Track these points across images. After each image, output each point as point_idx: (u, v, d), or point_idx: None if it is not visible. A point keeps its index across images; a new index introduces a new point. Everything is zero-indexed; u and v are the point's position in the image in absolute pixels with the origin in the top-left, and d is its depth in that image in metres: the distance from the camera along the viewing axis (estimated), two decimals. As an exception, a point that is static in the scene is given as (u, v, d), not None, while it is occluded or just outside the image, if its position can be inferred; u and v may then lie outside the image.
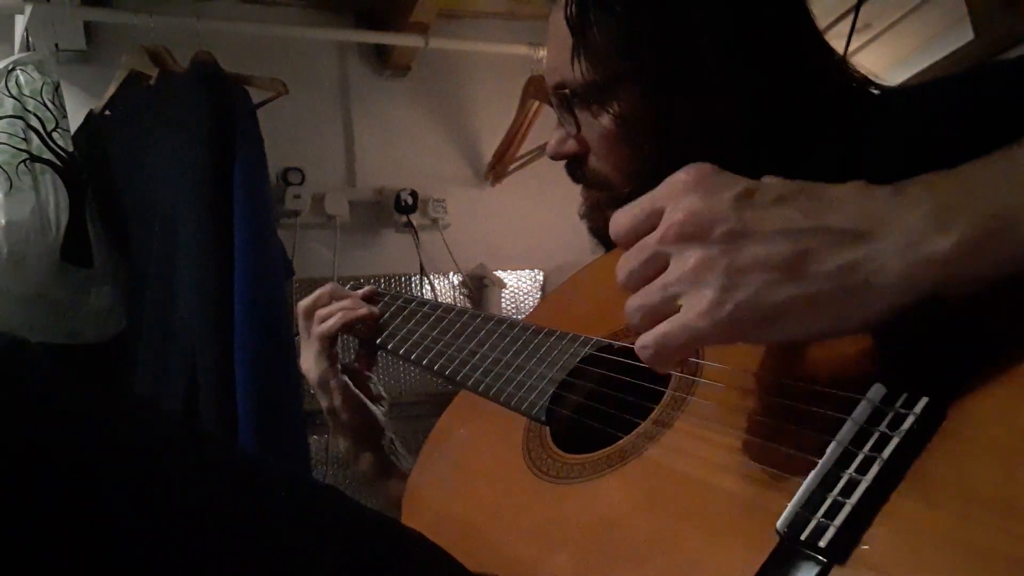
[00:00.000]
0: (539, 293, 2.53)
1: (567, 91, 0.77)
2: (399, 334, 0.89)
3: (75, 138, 1.75)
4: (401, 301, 0.92)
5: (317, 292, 0.93)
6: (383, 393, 0.94)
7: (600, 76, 0.74)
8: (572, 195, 0.85)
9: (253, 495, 0.56)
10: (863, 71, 0.77)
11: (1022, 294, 0.42)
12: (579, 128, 0.78)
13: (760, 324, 0.44)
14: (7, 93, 1.64)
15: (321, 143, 2.37)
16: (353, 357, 0.93)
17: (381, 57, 2.47)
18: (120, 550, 0.48)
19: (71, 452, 0.49)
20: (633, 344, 0.64)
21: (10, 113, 1.62)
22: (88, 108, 1.91)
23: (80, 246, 1.67)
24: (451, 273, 2.43)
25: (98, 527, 0.48)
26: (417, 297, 0.92)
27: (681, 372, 0.59)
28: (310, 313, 0.91)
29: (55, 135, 1.66)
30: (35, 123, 1.64)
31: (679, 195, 0.48)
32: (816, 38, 0.76)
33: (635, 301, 0.48)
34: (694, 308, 0.45)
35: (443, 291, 2.42)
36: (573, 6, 0.74)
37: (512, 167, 2.44)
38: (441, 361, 0.81)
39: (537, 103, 2.25)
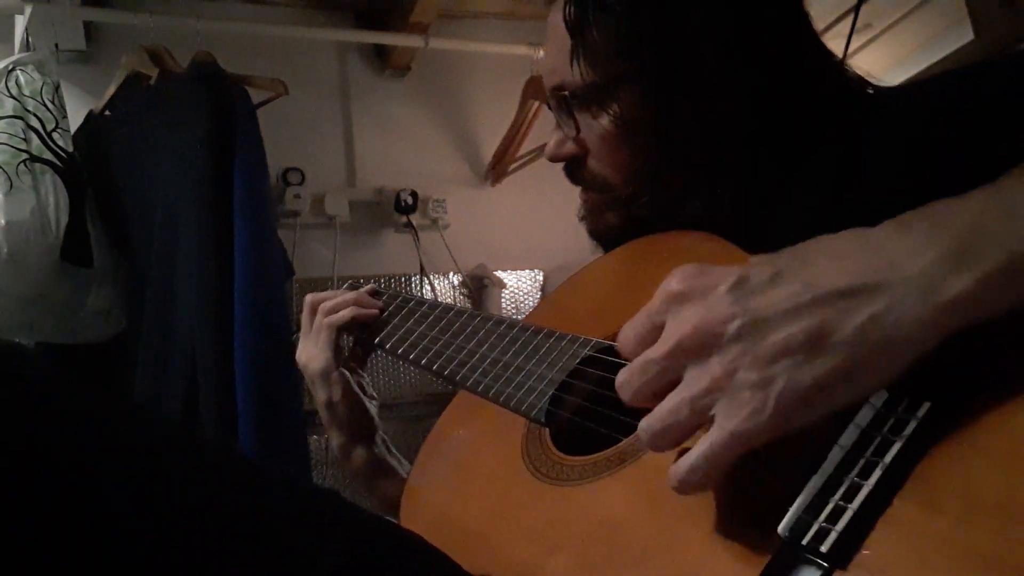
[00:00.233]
0: (539, 293, 2.53)
1: (566, 92, 0.77)
2: (398, 333, 0.88)
3: (75, 138, 1.75)
4: (400, 300, 0.92)
5: (327, 292, 0.94)
6: (374, 393, 0.94)
7: (599, 77, 0.74)
8: (572, 195, 0.85)
9: (252, 496, 0.56)
10: (860, 72, 0.77)
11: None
12: (578, 130, 0.78)
13: (805, 408, 0.42)
14: (7, 93, 1.64)
15: (321, 143, 2.37)
16: (347, 355, 0.94)
17: (381, 57, 2.47)
18: (120, 550, 0.48)
19: (71, 452, 0.49)
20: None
21: (10, 113, 1.62)
22: (88, 108, 1.91)
23: (80, 246, 1.66)
24: (451, 273, 2.43)
25: (98, 527, 0.48)
26: (416, 296, 0.92)
27: None
28: (316, 307, 0.92)
29: (55, 135, 1.66)
30: (35, 123, 1.64)
31: (675, 306, 0.46)
32: (814, 39, 0.76)
33: (657, 424, 0.46)
34: (736, 414, 0.43)
35: (443, 291, 2.42)
36: (572, 7, 0.74)
37: (512, 167, 2.44)
38: (440, 361, 0.81)
39: (537, 103, 2.25)
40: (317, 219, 2.31)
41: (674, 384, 0.45)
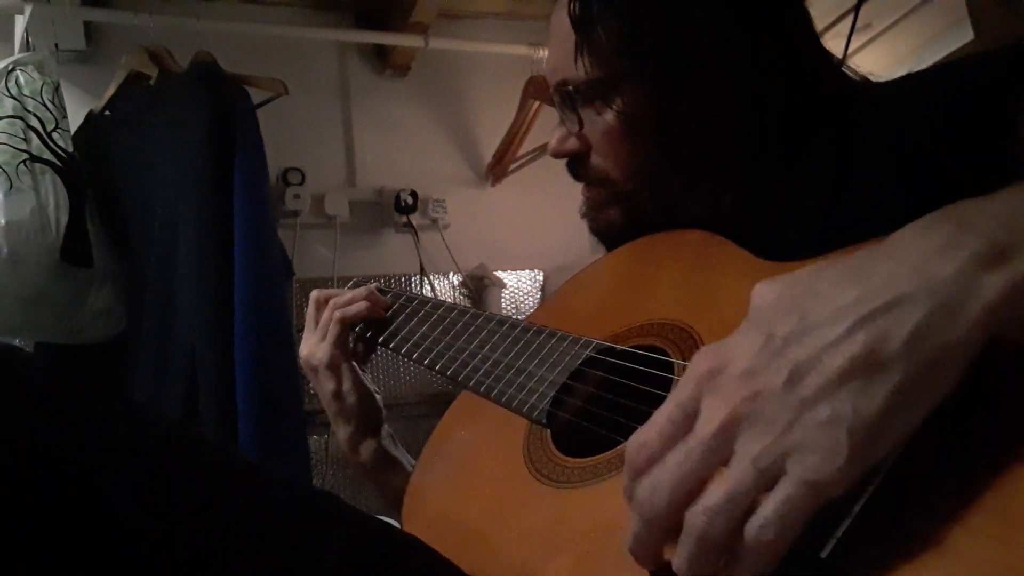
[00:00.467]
0: (539, 293, 2.53)
1: (569, 87, 0.77)
2: (401, 332, 0.89)
3: (75, 138, 1.75)
4: (404, 299, 0.92)
5: (334, 289, 0.95)
6: (377, 389, 0.94)
7: (603, 73, 0.74)
8: (572, 195, 0.85)
9: (253, 496, 0.56)
10: (862, 71, 0.77)
11: None
12: (581, 125, 0.78)
13: (880, 437, 0.39)
14: (7, 93, 1.64)
15: (321, 143, 2.37)
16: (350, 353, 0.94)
17: (381, 57, 2.47)
18: (121, 550, 0.48)
19: (71, 453, 0.49)
20: (636, 348, 0.64)
21: (10, 113, 1.62)
22: (88, 108, 1.92)
23: (80, 246, 1.67)
24: (451, 273, 2.43)
25: (99, 528, 0.48)
26: (419, 295, 0.92)
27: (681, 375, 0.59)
28: (324, 301, 0.92)
29: (55, 135, 1.66)
30: (35, 123, 1.64)
31: (707, 382, 0.42)
32: (814, 40, 0.76)
33: (713, 500, 0.40)
34: (810, 463, 0.38)
35: (443, 291, 2.42)
36: (577, 3, 0.74)
37: (512, 167, 2.44)
38: (442, 361, 0.81)
39: (537, 103, 2.25)
40: (317, 219, 2.31)
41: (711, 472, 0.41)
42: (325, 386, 0.90)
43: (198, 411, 1.54)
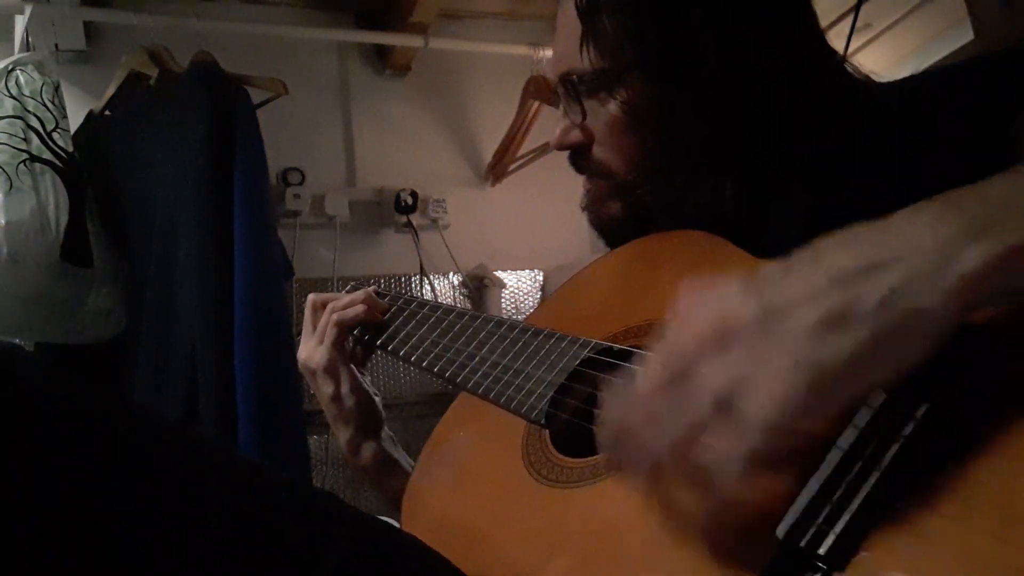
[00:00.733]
0: (539, 293, 2.53)
1: (574, 78, 0.77)
2: (399, 335, 0.89)
3: (75, 138, 1.75)
4: (402, 302, 0.92)
5: (330, 293, 0.95)
6: (376, 391, 0.95)
7: (608, 64, 0.74)
8: (572, 195, 0.85)
9: (254, 496, 0.56)
10: (863, 70, 0.77)
11: (1022, 300, 0.42)
12: (584, 117, 0.78)
13: (836, 389, 0.41)
14: (7, 93, 1.64)
15: (321, 143, 2.37)
16: (348, 356, 0.94)
17: (381, 57, 2.47)
18: (122, 550, 0.48)
19: (72, 453, 0.49)
20: (634, 347, 0.64)
21: (10, 113, 1.63)
22: (88, 108, 1.92)
23: (80, 246, 1.67)
24: (451, 273, 2.43)
25: (100, 527, 0.48)
26: (417, 298, 0.92)
27: None
28: (321, 305, 0.93)
29: (55, 135, 1.66)
30: (35, 123, 1.64)
31: (689, 317, 0.44)
32: (817, 36, 0.77)
33: (672, 434, 0.43)
34: (767, 402, 0.40)
35: (443, 291, 2.42)
36: None
37: (512, 167, 2.44)
38: (440, 363, 0.81)
39: (537, 103, 2.25)
40: (317, 219, 2.32)
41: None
42: (324, 389, 0.90)
43: (198, 411, 1.54)
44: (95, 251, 1.70)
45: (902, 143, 0.64)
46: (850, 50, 0.80)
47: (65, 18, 1.95)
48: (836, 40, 0.80)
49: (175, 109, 1.70)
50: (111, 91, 1.86)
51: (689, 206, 0.74)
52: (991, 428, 0.41)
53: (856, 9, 0.97)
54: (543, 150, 2.32)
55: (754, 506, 0.43)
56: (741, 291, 0.43)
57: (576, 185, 0.84)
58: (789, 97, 0.72)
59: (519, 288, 2.52)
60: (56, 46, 1.96)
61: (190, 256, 1.61)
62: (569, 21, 0.76)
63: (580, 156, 0.80)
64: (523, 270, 2.52)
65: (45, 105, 1.67)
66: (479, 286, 2.43)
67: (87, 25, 2.07)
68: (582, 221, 0.84)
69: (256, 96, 1.77)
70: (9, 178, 1.58)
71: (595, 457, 0.60)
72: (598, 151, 0.79)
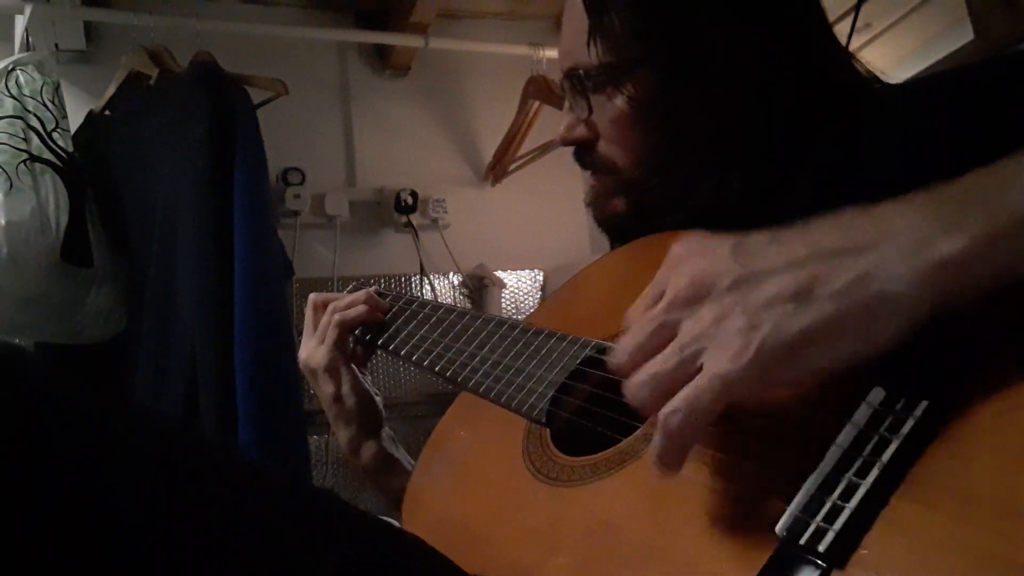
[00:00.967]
0: (539, 293, 2.53)
1: (580, 73, 0.77)
2: (400, 335, 0.89)
3: (75, 138, 1.75)
4: (403, 302, 0.92)
5: (331, 293, 0.95)
6: (377, 391, 0.95)
7: (615, 59, 0.74)
8: (572, 195, 0.85)
9: (254, 496, 0.56)
10: (870, 68, 0.77)
11: (1020, 297, 0.42)
12: (590, 111, 0.78)
13: (789, 358, 0.43)
14: (7, 93, 1.64)
15: (321, 143, 2.37)
16: (349, 356, 0.94)
17: (381, 57, 2.47)
18: (122, 550, 0.48)
19: (72, 452, 0.49)
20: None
21: (10, 113, 1.63)
22: (88, 108, 1.92)
23: (80, 246, 1.67)
24: (451, 273, 2.43)
25: (99, 527, 0.48)
26: (418, 298, 0.92)
27: None
28: (322, 305, 0.93)
29: (55, 135, 1.66)
30: (35, 123, 1.64)
31: (676, 267, 0.48)
32: (825, 32, 0.77)
33: (643, 375, 0.47)
34: (720, 358, 0.43)
35: (443, 291, 2.42)
36: None
37: (512, 167, 2.44)
38: (441, 363, 0.81)
39: (537, 103, 2.25)
40: (317, 219, 2.31)
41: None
42: (324, 389, 0.90)
43: (198, 411, 1.54)
44: (95, 251, 1.70)
45: (908, 143, 0.64)
46: (850, 50, 0.80)
47: (65, 18, 1.95)
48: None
49: (175, 109, 1.70)
50: (111, 91, 1.86)
51: (695, 202, 0.74)
52: (990, 425, 0.41)
53: (856, 9, 0.97)
54: (543, 150, 2.32)
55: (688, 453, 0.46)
56: (726, 252, 0.46)
57: (577, 185, 0.84)
58: (796, 93, 0.72)
59: (519, 288, 2.52)
60: (56, 46, 1.96)
61: (190, 256, 1.61)
62: (576, 16, 0.76)
63: (585, 152, 0.80)
64: (523, 270, 2.52)
65: (45, 105, 1.67)
66: (479, 286, 2.43)
67: (87, 25, 2.07)
68: (582, 221, 0.85)
69: (256, 96, 1.77)
70: (9, 178, 1.58)
71: (596, 456, 0.60)
72: (603, 147, 0.79)
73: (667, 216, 0.75)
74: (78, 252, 1.66)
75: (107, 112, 1.87)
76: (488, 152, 2.49)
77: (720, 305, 0.45)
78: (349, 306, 0.91)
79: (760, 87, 0.72)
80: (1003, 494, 0.38)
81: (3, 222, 1.56)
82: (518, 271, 2.52)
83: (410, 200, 2.36)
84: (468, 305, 2.44)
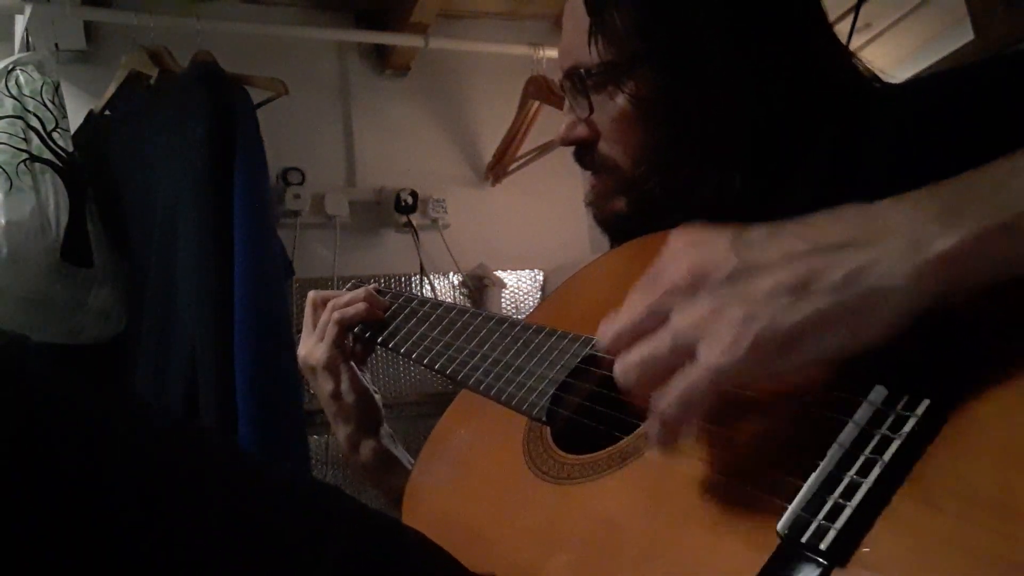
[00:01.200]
0: (539, 293, 2.53)
1: (581, 72, 0.77)
2: (400, 333, 0.89)
3: (75, 138, 1.75)
4: (403, 300, 0.92)
5: (331, 291, 0.95)
6: (376, 389, 0.95)
7: (615, 57, 0.74)
8: (572, 195, 0.85)
9: (256, 492, 0.56)
10: (870, 67, 0.77)
11: (1021, 295, 0.42)
12: (591, 111, 0.78)
13: (783, 350, 0.43)
14: (7, 93, 1.64)
15: (321, 143, 2.37)
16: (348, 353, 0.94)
17: (381, 57, 2.47)
18: (122, 548, 0.48)
19: (73, 450, 0.49)
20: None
21: (10, 113, 1.62)
22: (88, 108, 1.92)
23: (80, 246, 1.67)
24: (451, 273, 2.43)
25: (100, 525, 0.48)
26: (418, 296, 0.92)
27: None
28: (322, 303, 0.93)
29: (55, 135, 1.66)
30: (35, 123, 1.64)
31: (675, 257, 0.48)
32: (826, 31, 0.77)
33: (634, 356, 0.47)
34: (714, 349, 0.44)
35: (443, 291, 2.42)
36: None
37: (512, 167, 2.44)
38: (442, 360, 0.81)
39: (537, 103, 2.24)
40: (317, 219, 2.31)
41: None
42: (323, 387, 0.90)
43: (198, 411, 1.54)
44: (95, 251, 1.70)
45: (908, 142, 0.64)
46: (850, 50, 0.80)
47: (65, 18, 1.95)
48: (837, 39, 0.80)
49: (175, 109, 1.70)
50: (111, 91, 1.85)
51: (696, 200, 0.74)
52: (992, 424, 0.41)
53: (856, 9, 0.97)
54: (543, 150, 2.32)
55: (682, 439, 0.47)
56: (726, 244, 0.46)
57: (576, 185, 0.84)
58: (796, 92, 0.72)
59: (519, 288, 2.52)
60: (56, 46, 1.95)
61: (190, 256, 1.61)
62: (577, 15, 0.76)
63: (586, 152, 0.80)
64: (523, 270, 2.52)
65: (45, 105, 1.67)
66: (479, 286, 2.43)
67: (87, 25, 2.06)
68: (582, 221, 0.85)
69: (256, 96, 1.77)
70: (9, 178, 1.58)
71: (596, 454, 0.60)
72: (604, 146, 0.79)
73: (667, 216, 0.75)
74: (78, 252, 1.66)
75: (107, 112, 1.87)
76: (488, 152, 2.49)
77: (717, 296, 0.45)
78: (348, 304, 0.91)
79: (760, 86, 0.72)
80: (1005, 493, 0.38)
81: (3, 222, 1.56)
82: (518, 271, 2.51)
83: (410, 200, 2.36)
84: (468, 305, 2.44)
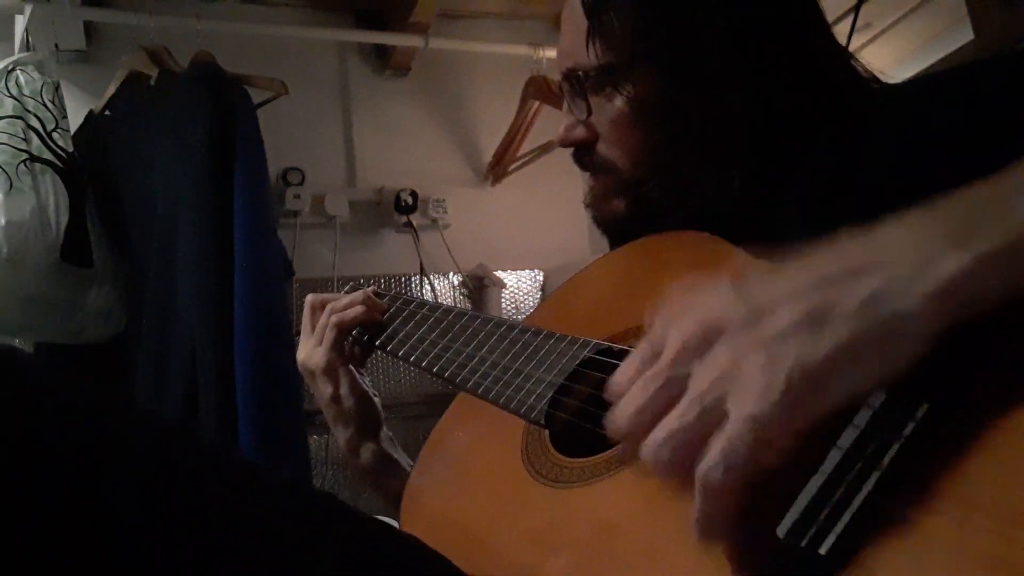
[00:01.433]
0: (539, 293, 2.53)
1: (580, 73, 0.77)
2: (398, 335, 0.89)
3: (75, 138, 1.75)
4: (400, 302, 0.92)
5: (328, 294, 0.95)
6: (376, 392, 0.95)
7: (614, 59, 0.74)
8: (572, 195, 0.85)
9: (253, 496, 0.56)
10: (869, 68, 0.77)
11: (1022, 301, 0.42)
12: (589, 112, 0.78)
13: (818, 388, 0.41)
14: (7, 93, 1.64)
15: (321, 143, 2.37)
16: (346, 356, 0.94)
17: (381, 57, 2.47)
18: (121, 549, 0.48)
19: (72, 452, 0.49)
20: (633, 347, 0.64)
21: (10, 113, 1.63)
22: (88, 108, 1.92)
23: (80, 246, 1.67)
24: (451, 273, 2.43)
25: (99, 527, 0.48)
26: (416, 298, 0.92)
27: None
28: (320, 306, 0.92)
29: (55, 135, 1.66)
30: (35, 123, 1.64)
31: (675, 320, 0.45)
32: (824, 32, 0.77)
33: (660, 433, 0.43)
34: (747, 399, 0.41)
35: (443, 291, 2.42)
36: None
37: (512, 167, 2.44)
38: (440, 363, 0.81)
39: (537, 103, 2.25)
40: (317, 219, 2.31)
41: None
42: (323, 390, 0.90)
43: (198, 411, 1.54)
44: (95, 251, 1.70)
45: (907, 143, 0.64)
46: (850, 50, 0.80)
47: (65, 18, 1.95)
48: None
49: (175, 109, 1.70)
50: (111, 91, 1.85)
51: (695, 201, 0.74)
52: (991, 427, 0.41)
53: (856, 9, 0.97)
54: (543, 150, 2.32)
55: (746, 504, 0.43)
56: (727, 291, 0.44)
57: (576, 185, 0.84)
58: (795, 92, 0.72)
59: (519, 288, 2.52)
60: (56, 46, 1.95)
61: (190, 256, 1.61)
62: (575, 17, 0.76)
63: (584, 153, 0.80)
64: (523, 270, 2.52)
65: (45, 105, 1.67)
66: (479, 286, 2.43)
67: (87, 25, 2.06)
68: (582, 221, 0.84)
69: (256, 96, 1.77)
70: (9, 178, 1.58)
71: (595, 457, 0.60)
72: (603, 148, 0.79)
73: (667, 216, 0.75)
74: (78, 252, 1.66)
75: (107, 112, 1.87)
76: (488, 152, 2.49)
77: (734, 345, 0.42)
78: (346, 307, 0.91)
79: (759, 87, 0.72)
80: (1005, 498, 0.38)
81: (3, 222, 1.56)
82: (518, 271, 2.51)
83: (410, 200, 2.36)
84: (468, 305, 2.44)
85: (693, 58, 0.72)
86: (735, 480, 0.41)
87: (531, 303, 2.51)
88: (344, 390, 0.89)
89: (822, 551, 0.41)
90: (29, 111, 1.64)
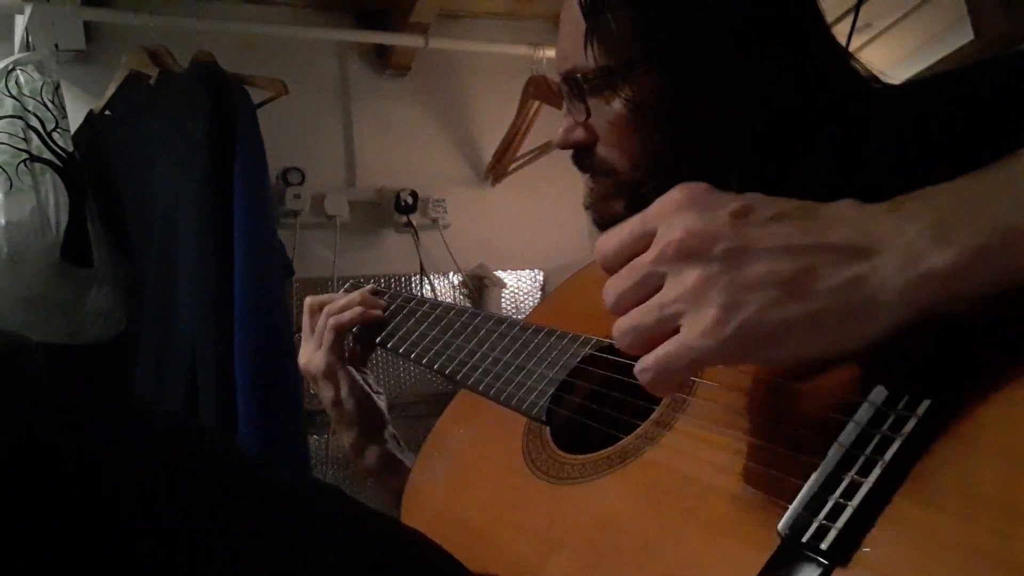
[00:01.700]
0: (539, 293, 2.53)
1: (578, 76, 0.77)
2: (399, 333, 0.89)
3: (75, 138, 1.75)
4: (401, 300, 0.92)
5: (326, 295, 0.95)
6: (380, 389, 0.94)
7: (612, 61, 0.74)
8: (572, 195, 0.85)
9: (256, 492, 0.56)
10: (869, 68, 0.77)
11: (1021, 297, 0.42)
12: (588, 115, 0.78)
13: (764, 344, 0.43)
14: (7, 93, 1.64)
15: (321, 143, 2.37)
16: (347, 355, 0.94)
17: (381, 57, 2.47)
18: (121, 548, 0.48)
19: (73, 449, 0.49)
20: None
21: (10, 113, 1.62)
22: (88, 108, 1.92)
23: (80, 246, 1.67)
24: (451, 273, 2.43)
25: (100, 525, 0.48)
26: (417, 296, 0.92)
27: None
28: (318, 308, 0.92)
29: (55, 135, 1.66)
30: (35, 123, 1.64)
31: (672, 214, 0.46)
32: (824, 33, 0.77)
33: (626, 322, 0.47)
34: (695, 327, 0.44)
35: (443, 291, 2.42)
36: None
37: (512, 167, 2.44)
38: (441, 360, 0.81)
39: (537, 103, 2.25)
40: (317, 219, 2.31)
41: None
42: (325, 394, 0.90)
43: (198, 411, 1.54)
44: (95, 251, 1.70)
45: (908, 143, 0.64)
46: (850, 50, 0.80)
47: (65, 18, 1.95)
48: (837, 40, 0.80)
49: (175, 109, 1.70)
50: (111, 91, 1.85)
51: None
52: (993, 424, 0.41)
53: (856, 9, 0.97)
54: (543, 150, 2.32)
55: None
56: (725, 216, 0.45)
57: (576, 185, 0.84)
58: (795, 93, 0.72)
59: (519, 288, 2.52)
60: (56, 46, 1.95)
61: (190, 256, 1.61)
62: (573, 19, 0.76)
63: (583, 155, 0.80)
64: (523, 270, 2.52)
65: (45, 105, 1.67)
66: (479, 286, 2.43)
67: (87, 25, 2.06)
68: (582, 221, 0.84)
69: (256, 96, 1.77)
70: (9, 178, 1.58)
71: (596, 453, 0.60)
72: (602, 150, 0.79)
73: None
74: (78, 252, 1.66)
75: (107, 112, 1.87)
76: (488, 152, 2.49)
77: (706, 272, 0.44)
78: (343, 308, 0.91)
79: (759, 88, 0.72)
80: (1006, 494, 0.38)
81: (3, 222, 1.56)
82: (518, 271, 2.51)
83: (410, 200, 2.36)
84: (468, 305, 2.44)
85: (692, 60, 0.72)
86: (661, 384, 0.46)
87: (531, 303, 2.51)
88: (344, 393, 0.89)
89: (823, 547, 0.41)
90: (29, 111, 1.64)
